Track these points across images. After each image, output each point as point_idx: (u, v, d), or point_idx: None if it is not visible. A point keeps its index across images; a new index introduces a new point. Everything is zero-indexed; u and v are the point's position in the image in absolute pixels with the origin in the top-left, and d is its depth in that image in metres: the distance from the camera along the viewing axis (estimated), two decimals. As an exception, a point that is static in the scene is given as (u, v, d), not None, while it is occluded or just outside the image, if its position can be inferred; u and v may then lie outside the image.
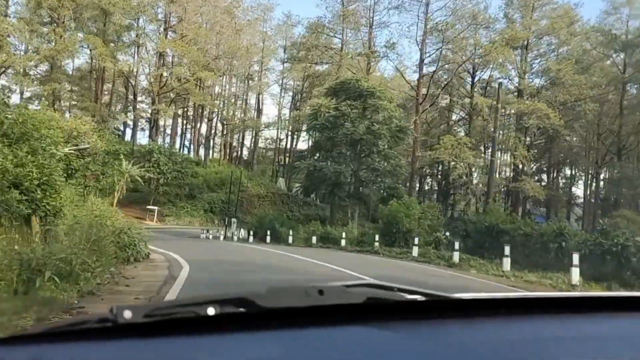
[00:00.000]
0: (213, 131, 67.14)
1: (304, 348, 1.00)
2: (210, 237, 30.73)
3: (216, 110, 62.51)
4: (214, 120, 66.59)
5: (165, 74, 52.60)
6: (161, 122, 57.53)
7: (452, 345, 1.06)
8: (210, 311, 0.99)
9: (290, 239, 27.23)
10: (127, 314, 0.95)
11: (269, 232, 29.49)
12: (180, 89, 51.31)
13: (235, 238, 32.84)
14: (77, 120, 38.82)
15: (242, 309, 1.01)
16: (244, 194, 57.92)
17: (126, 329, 0.96)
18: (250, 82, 69.33)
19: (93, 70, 60.31)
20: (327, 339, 1.04)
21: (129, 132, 64.20)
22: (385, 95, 29.55)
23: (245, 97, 70.32)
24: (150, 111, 54.58)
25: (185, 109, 68.90)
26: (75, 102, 58.83)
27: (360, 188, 30.14)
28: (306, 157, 30.33)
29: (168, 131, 64.91)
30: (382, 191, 29.09)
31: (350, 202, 29.61)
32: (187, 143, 71.04)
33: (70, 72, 60.71)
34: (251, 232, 31.94)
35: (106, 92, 63.05)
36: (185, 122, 72.68)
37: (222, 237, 29.64)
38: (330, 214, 35.92)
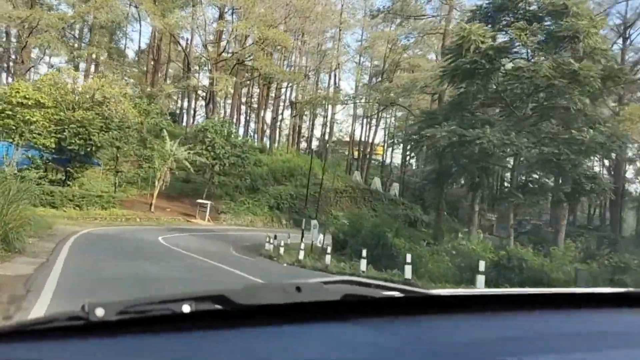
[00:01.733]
0: (280, 113, 56.59)
1: (281, 345, 0.99)
2: (282, 249, 19.47)
3: (284, 85, 51.78)
4: (281, 99, 55.99)
5: (224, 36, 42.23)
6: (219, 99, 47.21)
7: (429, 341, 1.05)
8: (186, 308, 0.96)
9: (408, 270, 14.57)
10: (100, 312, 0.91)
11: (363, 244, 18.19)
12: (242, 53, 40.71)
13: (318, 246, 21.49)
14: (101, 80, 29.22)
15: (218, 306, 0.99)
16: (318, 188, 47.13)
17: (98, 327, 0.92)
18: (323, 57, 58.32)
19: (150, 49, 51.66)
20: (305, 335, 1.03)
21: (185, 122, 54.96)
22: (586, 13, 17.26)
23: (316, 76, 59.46)
24: (206, 84, 44.52)
25: (249, 87, 58.82)
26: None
27: (537, 174, 17.98)
28: (438, 121, 18.16)
29: (227, 111, 54.76)
30: (576, 180, 16.65)
31: (514, 199, 17.32)
32: (248, 130, 61.33)
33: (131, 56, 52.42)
34: (321, 237, 20.74)
35: (161, 75, 54.54)
36: (247, 104, 62.88)
37: (301, 254, 18.25)
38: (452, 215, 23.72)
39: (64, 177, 28.07)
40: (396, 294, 1.17)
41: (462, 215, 48.86)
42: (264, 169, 45.64)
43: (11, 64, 38.50)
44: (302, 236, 23.43)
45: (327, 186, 47.65)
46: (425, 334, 1.10)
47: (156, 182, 32.75)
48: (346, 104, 48.03)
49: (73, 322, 0.93)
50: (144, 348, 0.94)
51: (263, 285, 1.11)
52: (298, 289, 1.03)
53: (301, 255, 17.35)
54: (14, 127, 24.07)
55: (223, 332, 1.00)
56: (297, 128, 58.68)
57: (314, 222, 24.02)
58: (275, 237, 21.81)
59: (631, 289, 1.43)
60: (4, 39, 39.94)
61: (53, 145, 26.27)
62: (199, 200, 35.87)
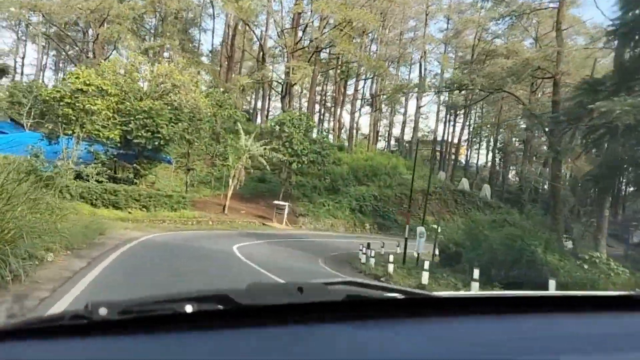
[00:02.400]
0: (357, 109, 52.27)
1: (283, 345, 0.98)
2: (391, 267, 14.85)
3: (363, 78, 47.38)
4: (359, 93, 51.62)
5: (302, 22, 38.57)
6: (297, 88, 43.56)
7: (431, 342, 1.06)
8: (188, 308, 0.96)
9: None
10: (103, 311, 0.92)
11: (491, 259, 13.47)
12: (321, 39, 36.73)
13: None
14: (170, 65, 26.05)
15: (220, 306, 0.99)
16: (404, 189, 42.27)
17: (101, 326, 0.93)
18: (405, 46, 53.43)
19: (224, 45, 49.19)
20: (307, 336, 1.03)
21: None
22: None
23: (397, 68, 54.58)
24: (282, 77, 41.12)
25: (322, 84, 55.05)
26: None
27: None
28: (604, 94, 12.91)
29: (304, 106, 51.09)
30: None
31: None
32: (321, 130, 57.44)
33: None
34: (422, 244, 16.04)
35: (235, 72, 52.03)
36: (321, 102, 59.12)
37: (424, 277, 13.51)
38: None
39: (131, 175, 25.25)
40: (398, 295, 1.19)
41: (571, 219, 42.30)
42: (344, 168, 41.43)
43: (83, 56, 36.90)
44: (405, 247, 18.84)
45: (415, 187, 42.64)
46: (427, 336, 1.10)
47: (230, 181, 29.40)
48: (439, 91, 42.65)
49: (77, 321, 0.93)
50: (146, 347, 0.93)
51: (266, 285, 1.09)
52: (300, 289, 1.03)
53: (424, 279, 12.59)
54: (73, 118, 21.39)
55: (225, 332, 1.00)
56: (376, 125, 53.98)
57: (420, 229, 19.38)
58: (368, 246, 17.42)
59: (634, 292, 1.39)
60: (77, 32, 38.55)
61: (118, 139, 23.43)
62: (276, 202, 32.22)
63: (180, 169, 30.16)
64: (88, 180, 21.26)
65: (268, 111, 57.09)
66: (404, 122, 57.64)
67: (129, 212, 22.03)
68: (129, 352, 0.92)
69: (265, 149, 30.52)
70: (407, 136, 60.22)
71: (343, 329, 1.06)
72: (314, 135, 36.81)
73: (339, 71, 47.19)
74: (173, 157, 28.76)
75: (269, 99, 54.83)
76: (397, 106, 60.05)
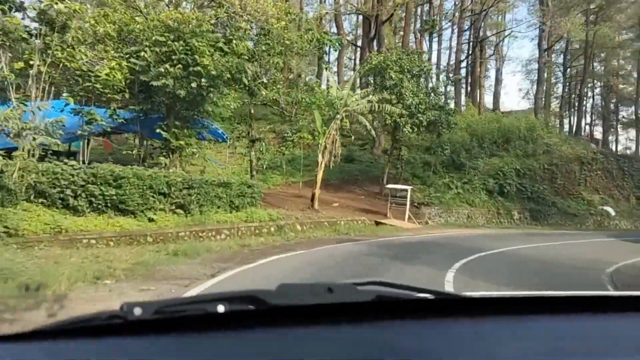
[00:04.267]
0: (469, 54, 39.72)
1: (313, 345, 0.98)
2: None
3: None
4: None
5: None
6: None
7: (460, 343, 1.04)
8: (220, 308, 0.98)
9: None
10: (137, 311, 0.94)
11: None
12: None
13: None
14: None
15: (251, 307, 1.00)
16: (552, 158, 29.52)
17: (136, 325, 0.95)
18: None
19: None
20: (336, 336, 1.03)
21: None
22: None
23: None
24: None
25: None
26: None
27: None
28: None
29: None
30: None
31: None
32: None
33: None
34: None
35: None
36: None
37: None
38: None
39: (161, 155, 13.99)
40: (428, 296, 1.17)
41: None
42: (463, 134, 29.10)
43: None
44: None
45: (563, 154, 29.74)
46: (458, 336, 1.08)
47: (320, 157, 17.92)
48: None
49: (112, 321, 0.95)
50: (179, 346, 0.95)
51: (295, 285, 1.08)
52: (330, 290, 1.03)
53: None
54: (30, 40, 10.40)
55: (256, 332, 1.00)
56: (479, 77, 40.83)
57: None
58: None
59: None
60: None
61: (123, 83, 12.43)
62: (391, 186, 20.48)
63: (238, 142, 18.98)
64: (62, 162, 10.36)
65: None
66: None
67: (150, 219, 10.90)
68: (163, 351, 0.93)
69: (371, 102, 18.72)
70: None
71: (372, 330, 1.05)
72: (430, 85, 24.70)
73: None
74: (221, 125, 17.51)
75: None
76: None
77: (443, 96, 22.87)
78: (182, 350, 0.94)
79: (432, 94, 22.89)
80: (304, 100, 18.87)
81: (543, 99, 38.39)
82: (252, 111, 17.22)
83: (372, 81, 24.01)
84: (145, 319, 0.94)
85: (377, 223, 18.55)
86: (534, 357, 1.00)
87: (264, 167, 20.55)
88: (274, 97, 17.64)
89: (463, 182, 24.93)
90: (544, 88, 38.70)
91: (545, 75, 38.85)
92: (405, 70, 21.96)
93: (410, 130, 21.25)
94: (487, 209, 24.30)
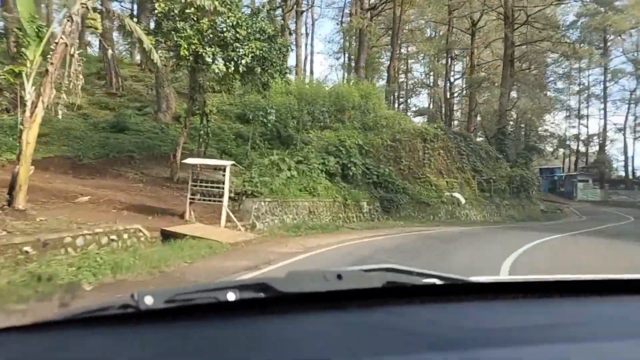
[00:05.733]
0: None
1: (324, 332, 0.98)
2: None
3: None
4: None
5: None
6: None
7: (470, 327, 1.04)
8: (231, 296, 0.97)
9: None
10: (149, 300, 0.94)
11: None
12: None
13: None
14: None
15: (261, 294, 1.00)
16: (389, 132, 23.36)
17: (147, 314, 0.94)
18: None
19: None
20: (346, 322, 1.02)
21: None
22: None
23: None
24: None
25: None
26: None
27: None
28: None
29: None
30: None
31: None
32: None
33: None
34: None
35: None
36: None
37: None
38: None
39: None
40: (437, 281, 1.16)
41: None
42: (290, 98, 21.22)
43: None
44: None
45: (406, 130, 24.21)
46: (468, 321, 1.08)
47: (28, 94, 7.76)
48: None
49: (123, 310, 0.94)
50: (190, 334, 0.93)
51: (305, 272, 1.07)
52: (339, 276, 1.02)
53: None
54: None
55: (266, 319, 1.00)
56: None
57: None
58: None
59: None
60: None
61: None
62: (192, 161, 11.24)
63: None
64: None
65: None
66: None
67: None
68: (174, 339, 0.92)
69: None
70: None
71: (382, 316, 1.04)
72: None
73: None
74: None
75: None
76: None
77: (272, 25, 14.42)
78: (193, 337, 0.92)
79: (259, 15, 14.20)
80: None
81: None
82: None
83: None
84: (156, 308, 0.93)
85: (166, 235, 9.30)
86: (541, 340, 0.98)
87: None
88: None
89: (297, 162, 17.00)
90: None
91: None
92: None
93: (224, 69, 12.23)
94: (332, 198, 16.85)
